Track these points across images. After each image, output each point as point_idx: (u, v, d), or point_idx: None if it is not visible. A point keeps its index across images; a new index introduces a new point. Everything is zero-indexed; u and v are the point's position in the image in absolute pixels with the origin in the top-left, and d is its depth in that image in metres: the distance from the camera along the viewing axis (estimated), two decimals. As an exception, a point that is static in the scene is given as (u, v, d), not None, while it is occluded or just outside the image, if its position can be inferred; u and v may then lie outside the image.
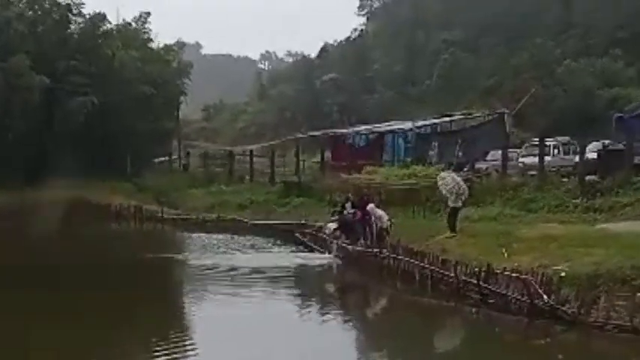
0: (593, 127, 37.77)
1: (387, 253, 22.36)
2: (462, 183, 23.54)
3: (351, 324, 17.52)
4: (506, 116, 45.82)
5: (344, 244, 25.17)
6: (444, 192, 23.58)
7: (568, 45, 66.75)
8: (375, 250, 23.28)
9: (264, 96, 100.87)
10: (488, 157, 36.41)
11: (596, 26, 66.84)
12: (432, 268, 19.73)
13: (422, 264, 20.21)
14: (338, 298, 21.41)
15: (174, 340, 15.07)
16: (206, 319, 17.63)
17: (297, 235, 29.58)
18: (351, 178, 35.58)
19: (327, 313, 18.25)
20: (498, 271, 17.45)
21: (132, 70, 49.89)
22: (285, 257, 25.98)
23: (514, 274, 16.90)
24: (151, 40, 56.04)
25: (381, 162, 40.99)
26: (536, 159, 31.19)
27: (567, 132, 36.60)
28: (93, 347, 14.79)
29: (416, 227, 25.39)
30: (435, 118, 49.19)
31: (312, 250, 27.09)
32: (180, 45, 59.27)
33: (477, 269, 17.95)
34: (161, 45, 57.02)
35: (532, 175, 30.85)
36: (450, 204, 23.15)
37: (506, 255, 19.34)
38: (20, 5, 51.03)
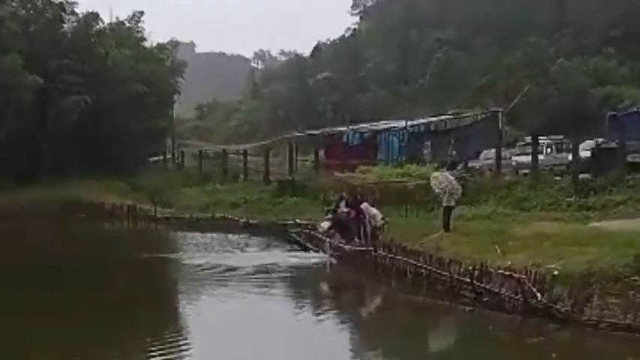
0: (587, 126, 37.94)
1: (382, 252, 22.40)
2: (454, 182, 23.57)
3: (345, 323, 17.52)
4: (499, 115, 45.94)
5: (339, 243, 25.18)
6: (436, 191, 23.63)
7: (561, 44, 66.91)
8: (370, 248, 23.33)
9: (258, 95, 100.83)
10: (482, 156, 36.50)
11: (590, 25, 67.03)
12: (426, 266, 19.78)
13: (416, 263, 20.24)
14: (332, 297, 21.42)
15: (169, 339, 15.05)
16: (200, 319, 17.64)
17: (291, 233, 29.59)
18: (345, 176, 35.64)
19: (322, 312, 18.25)
20: (492, 270, 17.50)
21: (125, 69, 49.77)
22: (279, 256, 25.95)
23: (508, 273, 16.96)
24: (145, 39, 55.92)
25: (374, 161, 41.09)
26: (530, 157, 31.26)
27: (560, 130, 36.76)
28: (88, 347, 14.77)
29: (410, 226, 25.42)
30: (428, 117, 49.34)
31: (306, 249, 27.10)
32: (174, 44, 59.11)
33: (470, 268, 18.00)
34: (154, 44, 57.00)
35: (525, 174, 30.96)
36: (444, 203, 23.20)
37: (499, 253, 19.39)
38: (13, 4, 50.81)
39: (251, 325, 16.50)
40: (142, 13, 55.34)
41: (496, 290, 17.07)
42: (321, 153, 47.46)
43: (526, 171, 31.24)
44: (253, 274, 22.81)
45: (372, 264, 22.72)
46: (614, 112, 35.24)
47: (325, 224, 26.71)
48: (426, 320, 17.80)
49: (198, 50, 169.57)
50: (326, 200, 31.95)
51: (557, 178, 29.85)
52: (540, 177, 29.74)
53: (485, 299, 17.35)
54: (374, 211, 24.87)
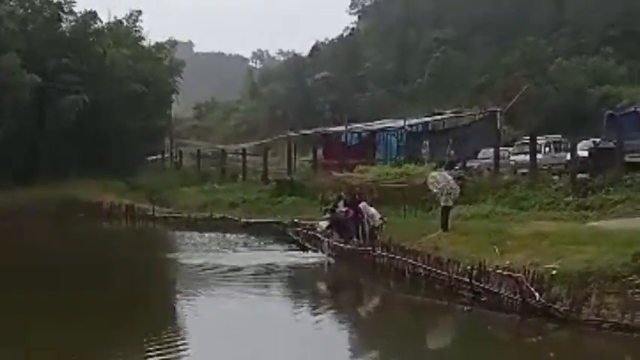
0: (585, 125, 37.94)
1: (380, 252, 22.40)
2: (452, 182, 23.58)
3: (344, 323, 17.52)
4: (497, 114, 45.94)
5: (337, 243, 25.18)
6: (434, 191, 23.65)
7: (559, 43, 66.91)
8: (368, 248, 23.33)
9: (256, 94, 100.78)
10: (480, 156, 36.50)
11: (588, 25, 67.04)
12: (425, 266, 19.78)
13: (414, 262, 20.24)
14: (331, 297, 21.41)
15: (167, 339, 15.05)
16: (198, 319, 17.63)
17: (289, 233, 29.59)
18: (344, 176, 35.64)
19: (320, 312, 18.23)
20: (491, 270, 17.50)
21: (123, 69, 49.74)
22: (278, 256, 25.95)
23: (506, 272, 16.96)
24: (143, 38, 55.93)
25: (373, 160, 41.07)
26: (528, 157, 31.27)
27: (558, 130, 36.74)
28: (86, 347, 14.76)
29: (408, 226, 25.44)
30: (426, 117, 49.33)
31: (304, 249, 27.10)
32: (172, 43, 59.18)
33: (469, 267, 18.00)
34: (153, 43, 56.98)
35: (523, 174, 30.97)
36: (442, 203, 23.21)
37: (498, 253, 19.40)
38: (11, 3, 50.80)
39: (249, 325, 16.49)
40: (139, 12, 55.42)
41: (495, 290, 17.07)
42: (320, 152, 47.46)
43: (524, 170, 31.26)
44: (251, 274, 22.81)
45: (371, 264, 22.72)
46: (612, 112, 35.19)
47: (323, 223, 26.73)
48: (425, 320, 17.80)
49: (196, 50, 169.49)
50: (324, 200, 31.96)
51: (556, 177, 29.86)
52: (538, 176, 29.77)
53: (483, 299, 17.36)
54: (372, 210, 24.88)
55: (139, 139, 51.35)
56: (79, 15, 51.94)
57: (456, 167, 33.36)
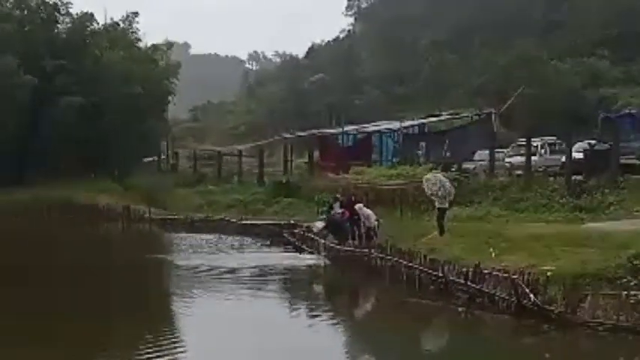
0: (580, 127, 37.93)
1: (376, 253, 22.44)
2: (447, 184, 23.60)
3: (339, 324, 17.55)
4: (493, 116, 45.95)
5: (332, 244, 25.21)
6: (428, 193, 23.69)
7: (555, 45, 66.96)
8: (364, 249, 23.36)
9: (252, 96, 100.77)
10: (476, 157, 36.53)
11: (583, 26, 67.14)
12: (421, 268, 19.81)
13: (410, 264, 20.28)
14: (326, 298, 21.45)
15: (163, 341, 15.04)
16: (194, 320, 17.63)
17: (285, 235, 29.62)
18: (340, 178, 35.68)
19: (316, 314, 18.26)
20: (486, 271, 17.54)
21: (119, 70, 49.70)
22: (274, 257, 26.01)
23: (502, 274, 17.01)
24: (139, 39, 55.85)
25: (369, 162, 41.11)
26: (523, 159, 31.32)
27: (554, 132, 36.73)
28: (81, 347, 14.78)
29: (404, 227, 25.48)
30: (422, 118, 49.36)
31: (300, 250, 27.14)
32: (168, 45, 58.91)
33: (465, 269, 18.04)
34: (149, 45, 56.92)
35: (519, 175, 31.00)
36: (437, 205, 23.25)
37: (493, 254, 19.45)
38: (7, 5, 50.82)
39: (245, 327, 16.51)
40: (136, 13, 55.35)
41: (490, 291, 17.12)
42: (316, 154, 47.49)
43: (520, 172, 31.29)
44: (247, 276, 22.85)
45: (366, 265, 22.74)
46: (608, 114, 35.29)
47: (319, 224, 26.78)
48: (420, 321, 17.81)
49: (192, 51, 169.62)
50: (320, 201, 32.00)
51: (551, 179, 29.92)
52: (534, 178, 29.81)
53: (479, 300, 17.40)
54: (368, 211, 24.91)
55: (135, 141, 51.26)
56: (75, 16, 51.99)
57: (452, 169, 33.36)
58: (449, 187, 23.51)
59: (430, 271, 19.37)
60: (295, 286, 22.35)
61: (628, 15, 63.64)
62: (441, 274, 18.83)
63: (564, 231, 20.89)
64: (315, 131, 52.77)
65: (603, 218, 23.61)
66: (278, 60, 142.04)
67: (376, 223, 24.65)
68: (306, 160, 47.43)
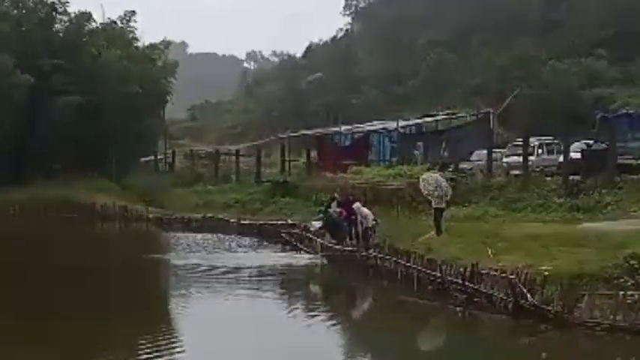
0: (577, 127, 37.96)
1: (374, 253, 22.44)
2: (443, 184, 23.61)
3: (337, 324, 17.53)
4: (491, 116, 46.00)
5: (330, 244, 25.21)
6: (425, 193, 23.71)
7: (553, 45, 67.04)
8: (361, 249, 23.36)
9: (250, 95, 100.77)
10: (473, 157, 36.56)
11: (581, 26, 67.20)
12: (418, 267, 19.82)
13: (408, 264, 20.28)
14: (324, 297, 21.44)
15: (160, 340, 15.03)
16: (192, 320, 17.61)
17: (283, 234, 29.61)
18: (337, 177, 35.69)
19: (313, 314, 18.27)
20: (484, 271, 17.55)
21: (117, 69, 49.66)
22: (271, 257, 26.02)
23: (499, 274, 17.01)
24: (137, 39, 55.80)
25: (366, 162, 41.12)
26: (521, 159, 31.34)
27: (551, 132, 36.77)
28: (78, 347, 14.76)
29: (401, 227, 25.49)
30: (420, 118, 49.41)
31: (298, 250, 27.13)
32: (166, 44, 58.86)
33: (462, 269, 18.05)
34: (146, 44, 56.89)
35: (516, 175, 31.03)
36: (433, 205, 23.27)
37: (491, 254, 19.46)
38: (5, 4, 50.76)
39: (243, 326, 16.51)
40: (133, 12, 55.31)
41: (487, 291, 17.12)
42: (314, 154, 47.51)
43: (517, 172, 31.32)
44: (245, 275, 22.87)
45: (364, 265, 22.74)
46: (605, 114, 35.32)
47: (316, 223, 26.79)
48: (418, 321, 17.81)
49: (190, 50, 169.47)
50: (318, 201, 32.00)
51: (548, 179, 29.96)
52: (531, 178, 29.85)
53: (476, 300, 17.41)
54: (366, 211, 24.92)
55: (133, 140, 51.27)
56: (72, 16, 51.97)
57: (449, 169, 33.39)
58: (445, 186, 23.53)
59: (428, 271, 19.36)
60: (293, 286, 22.33)
61: (626, 15, 63.73)
62: (438, 274, 18.83)
63: (561, 231, 20.93)
64: (313, 131, 52.81)
65: (600, 218, 23.67)
66: (276, 59, 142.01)
67: (374, 222, 24.66)
68: (304, 159, 47.45)
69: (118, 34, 54.61)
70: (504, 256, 19.01)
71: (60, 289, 20.79)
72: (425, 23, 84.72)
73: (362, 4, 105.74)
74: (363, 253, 22.98)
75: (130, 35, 55.47)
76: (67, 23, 52.03)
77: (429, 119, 49.17)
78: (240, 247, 29.07)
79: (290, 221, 30.95)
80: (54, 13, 51.26)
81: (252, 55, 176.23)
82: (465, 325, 17.21)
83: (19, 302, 18.46)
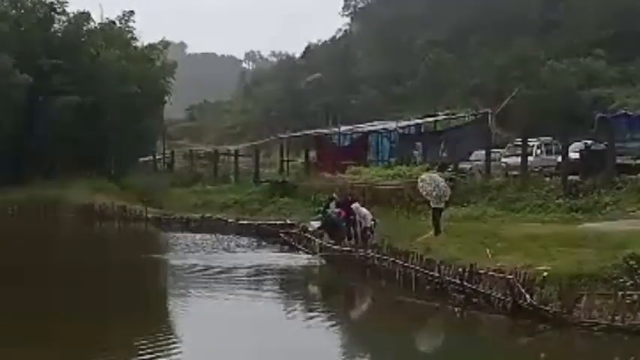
0: (576, 127, 37.99)
1: (372, 253, 22.44)
2: (442, 184, 23.63)
3: (335, 324, 17.53)
4: (489, 116, 46.02)
5: (329, 244, 25.21)
6: (423, 193, 23.72)
7: (551, 45, 67.08)
8: (360, 249, 23.36)
9: (249, 96, 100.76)
10: (472, 157, 36.58)
11: (580, 26, 67.24)
12: (417, 268, 19.82)
13: (406, 264, 20.28)
14: (322, 298, 21.44)
15: (158, 340, 15.03)
16: (191, 320, 17.60)
17: (281, 234, 29.62)
18: (336, 178, 35.69)
19: (312, 314, 18.25)
20: (482, 271, 17.56)
21: (116, 69, 49.68)
22: (270, 257, 26.01)
23: (498, 274, 17.02)
24: (135, 39, 55.83)
25: (365, 162, 41.13)
26: (519, 159, 31.36)
27: (550, 132, 36.79)
28: (76, 347, 14.75)
29: (400, 227, 25.49)
30: (418, 118, 49.42)
31: (296, 250, 27.14)
32: (165, 44, 58.86)
33: (460, 269, 18.06)
34: (145, 44, 56.89)
35: (515, 176, 31.05)
36: (432, 205, 23.28)
37: (490, 255, 19.47)
38: (4, 4, 50.76)
39: (242, 326, 16.50)
40: (132, 12, 55.32)
41: (486, 291, 17.13)
42: (312, 154, 47.52)
43: (516, 172, 31.35)
44: (243, 275, 22.86)
45: (362, 265, 22.74)
46: (604, 114, 35.34)
47: (315, 224, 26.79)
48: (416, 321, 17.83)
49: (188, 51, 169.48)
50: (316, 201, 32.01)
51: (547, 179, 29.99)
52: (530, 178, 29.87)
53: (475, 300, 17.42)
54: (364, 211, 24.93)
55: (131, 140, 51.29)
56: (71, 16, 51.99)
57: (448, 169, 33.41)
58: (444, 187, 23.55)
59: (426, 272, 19.36)
60: (291, 286, 22.34)
61: (624, 15, 63.78)
62: (436, 274, 18.83)
63: (560, 231, 20.94)
64: (311, 131, 52.80)
65: (599, 218, 23.68)
66: (275, 60, 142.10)
67: (372, 222, 24.67)
68: (303, 159, 47.46)
69: (116, 34, 54.62)
70: (503, 257, 19.02)
71: (59, 289, 20.78)
72: (423, 23, 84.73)
73: (361, 5, 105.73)
74: (362, 253, 22.98)
75: (129, 35, 55.49)
76: (66, 23, 52.05)
77: (428, 119, 49.17)
78: (238, 247, 29.07)
79: (289, 221, 30.97)
80: (53, 13, 51.29)
81: (250, 56, 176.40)
82: (463, 326, 17.22)
83: (18, 302, 18.45)
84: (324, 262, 24.77)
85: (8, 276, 22.07)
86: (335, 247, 24.73)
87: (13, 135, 45.86)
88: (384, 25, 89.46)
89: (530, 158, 32.05)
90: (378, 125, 48.02)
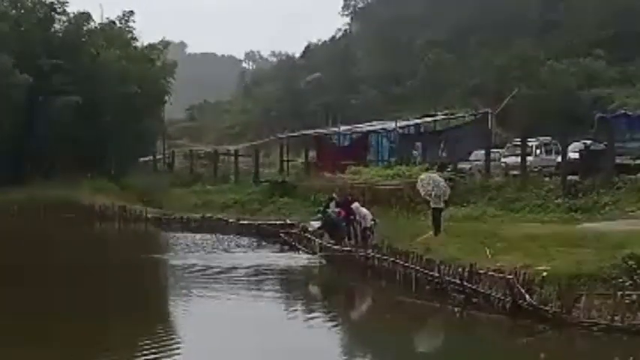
0: (576, 127, 38.03)
1: (372, 253, 22.47)
2: (441, 184, 23.66)
3: (336, 324, 17.58)
4: (489, 116, 46.06)
5: (329, 244, 25.24)
6: (423, 193, 23.75)
7: (551, 45, 67.09)
8: (360, 249, 23.39)
9: (249, 96, 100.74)
10: (472, 157, 36.63)
11: (579, 26, 67.26)
12: (417, 268, 19.85)
13: (406, 264, 20.31)
14: (323, 298, 21.46)
15: (158, 340, 15.05)
16: (191, 320, 17.64)
17: (281, 234, 29.65)
18: (336, 177, 35.72)
19: (312, 314, 18.31)
20: (482, 271, 17.59)
21: (116, 69, 49.67)
22: (270, 257, 26.04)
23: (497, 274, 17.05)
24: (135, 39, 55.77)
25: (365, 162, 41.17)
26: (519, 159, 31.39)
27: (550, 132, 36.82)
28: (76, 347, 14.78)
29: (400, 227, 25.52)
30: (418, 118, 49.46)
31: (296, 250, 27.17)
32: (165, 44, 58.85)
33: (460, 269, 18.09)
34: (145, 44, 56.88)
35: (514, 175, 31.08)
36: (432, 205, 23.31)
37: (489, 255, 19.50)
38: (4, 4, 50.75)
39: (243, 326, 16.53)
40: (132, 12, 55.30)
41: (486, 291, 17.16)
42: (312, 154, 47.54)
43: (515, 172, 31.38)
44: (243, 275, 22.88)
45: (362, 265, 22.78)
46: (603, 114, 35.38)
47: (315, 224, 26.82)
48: (416, 321, 17.86)
49: (189, 51, 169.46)
50: (316, 201, 32.04)
51: (546, 179, 30.02)
52: (529, 178, 29.90)
53: (474, 300, 17.45)
54: (364, 211, 24.96)
55: (132, 140, 51.29)
56: (71, 16, 51.98)
57: (448, 169, 33.45)
58: (443, 186, 23.59)
59: (426, 272, 19.40)
60: (292, 286, 22.38)
61: (624, 15, 63.78)
62: (436, 275, 18.87)
63: (560, 231, 20.97)
64: (311, 131, 52.83)
65: (598, 218, 23.71)
66: (274, 60, 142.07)
67: (372, 222, 24.70)
68: (303, 159, 47.48)
69: (116, 34, 54.60)
70: (502, 257, 19.06)
71: (59, 289, 20.80)
72: (423, 23, 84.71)
73: (360, 5, 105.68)
74: (362, 254, 23.01)
75: (129, 35, 55.46)
76: (66, 23, 52.02)
77: (427, 119, 49.21)
78: (238, 247, 29.10)
79: (288, 221, 31.00)
80: (53, 13, 51.26)
81: (250, 55, 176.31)
82: (463, 326, 17.25)
83: (18, 302, 18.47)
84: (324, 262, 24.80)
85: (8, 276, 22.10)
86: (335, 247, 24.77)
87: (13, 135, 45.86)
88: (383, 25, 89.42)
89: (529, 158, 32.09)
90: (377, 125, 48.05)
